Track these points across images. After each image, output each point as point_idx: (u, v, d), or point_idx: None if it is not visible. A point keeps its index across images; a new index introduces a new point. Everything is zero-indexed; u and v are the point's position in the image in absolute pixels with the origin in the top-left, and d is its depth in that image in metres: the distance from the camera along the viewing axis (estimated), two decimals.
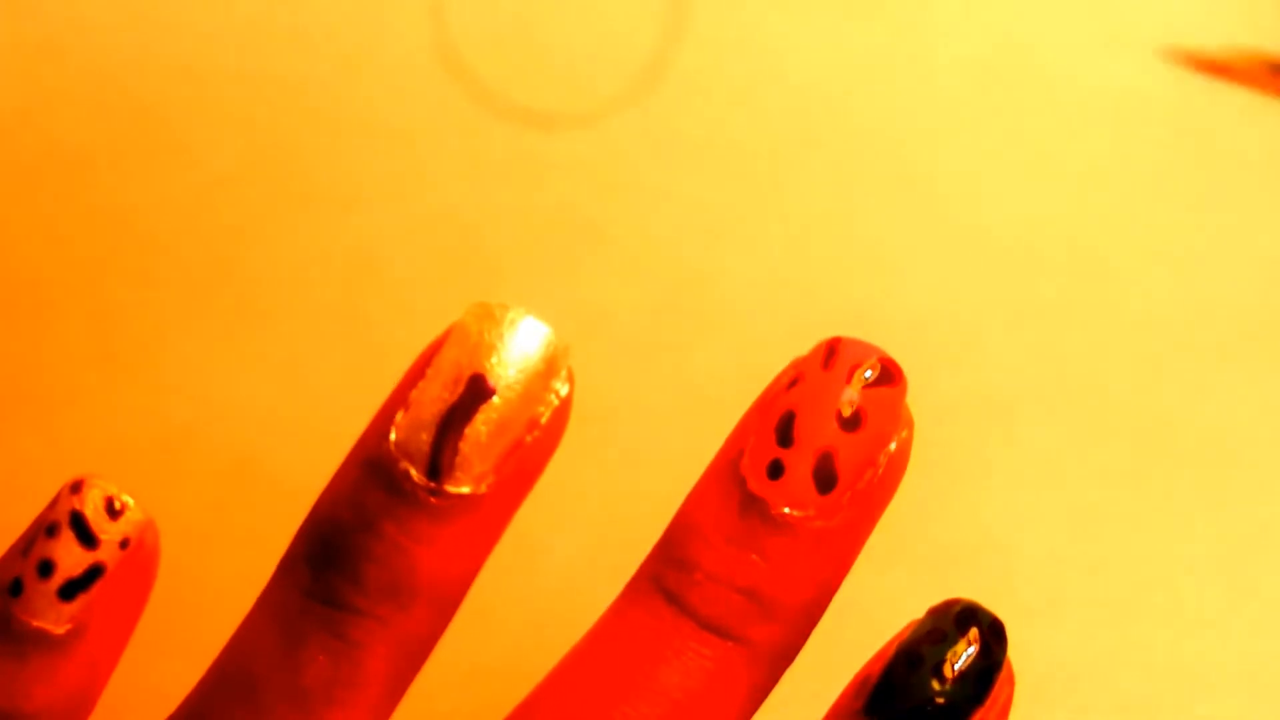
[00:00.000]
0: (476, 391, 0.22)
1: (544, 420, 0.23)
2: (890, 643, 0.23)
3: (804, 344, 0.40)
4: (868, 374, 0.23)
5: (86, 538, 0.24)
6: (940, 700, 0.22)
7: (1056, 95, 0.43)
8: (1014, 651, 0.22)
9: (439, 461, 0.22)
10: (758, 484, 0.22)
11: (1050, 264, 0.42)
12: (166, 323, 0.40)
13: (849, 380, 0.23)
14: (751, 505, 0.22)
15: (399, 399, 0.23)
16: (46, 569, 0.24)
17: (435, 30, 0.42)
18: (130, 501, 0.24)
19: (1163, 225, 0.42)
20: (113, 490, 0.24)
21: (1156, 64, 0.43)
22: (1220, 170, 0.43)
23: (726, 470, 0.23)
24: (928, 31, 0.43)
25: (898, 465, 0.23)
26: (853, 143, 0.43)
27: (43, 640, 0.24)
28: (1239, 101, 0.43)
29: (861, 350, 0.23)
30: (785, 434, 0.23)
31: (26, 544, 0.24)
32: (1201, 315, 0.41)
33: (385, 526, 0.22)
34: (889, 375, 0.23)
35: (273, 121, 0.42)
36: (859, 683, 0.22)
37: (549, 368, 0.23)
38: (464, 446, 0.22)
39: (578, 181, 0.42)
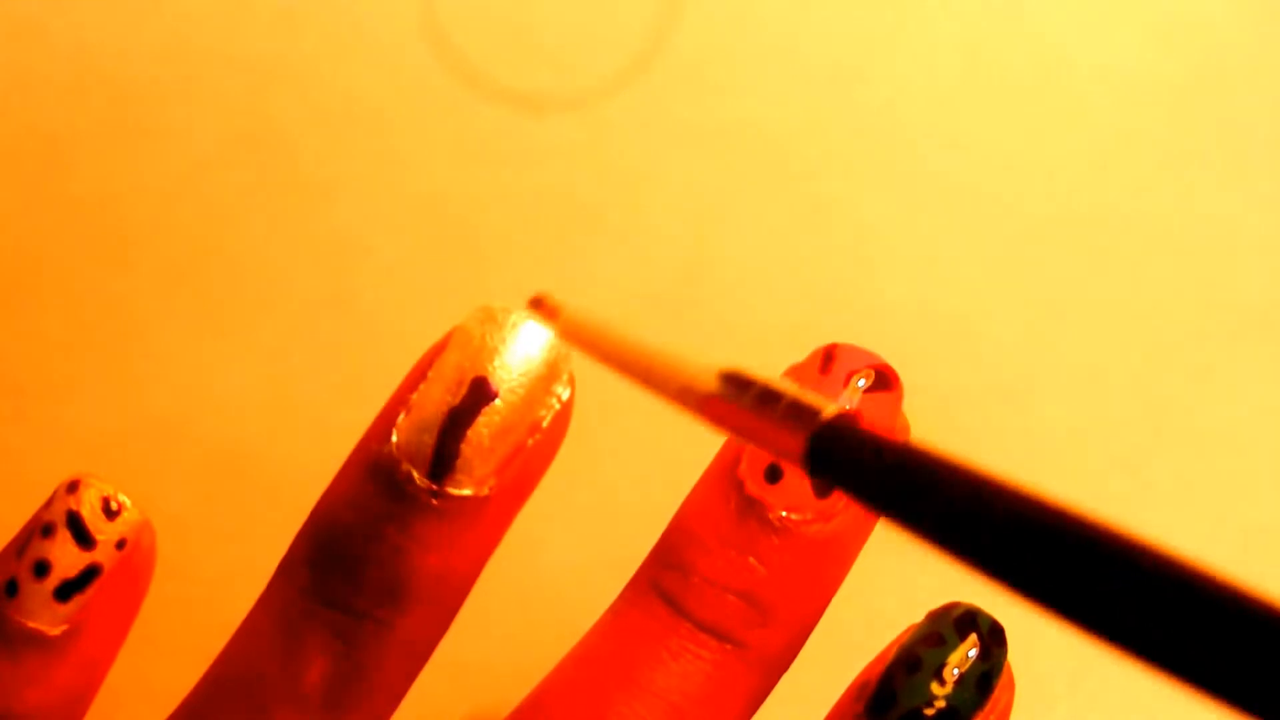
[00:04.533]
0: (479, 394, 0.22)
1: (546, 423, 0.23)
2: (890, 646, 0.23)
3: (802, 331, 0.40)
4: (864, 380, 0.23)
5: (83, 538, 0.24)
6: (940, 704, 0.22)
7: (1060, 75, 0.43)
8: (1014, 646, 0.23)
9: (441, 463, 0.22)
10: (756, 487, 0.23)
11: (1053, 250, 0.42)
12: (149, 311, 0.40)
13: (846, 385, 0.23)
14: (749, 509, 0.23)
15: (400, 401, 0.22)
16: (42, 569, 0.24)
17: (423, 11, 0.42)
18: (127, 502, 0.24)
19: (1168, 210, 0.42)
20: (109, 490, 0.24)
21: (1161, 43, 0.43)
22: (1223, 152, 0.43)
23: (725, 474, 0.23)
24: (927, 10, 0.43)
25: None
26: (850, 125, 0.42)
27: (38, 641, 0.24)
28: (1244, 82, 0.43)
29: (859, 356, 0.23)
30: None
31: (21, 544, 0.24)
32: (1207, 302, 0.42)
33: (387, 529, 0.22)
34: (886, 381, 0.23)
35: (258, 105, 0.42)
36: (859, 686, 0.23)
37: (551, 371, 0.23)
38: (466, 449, 0.22)
39: (569, 166, 0.42)
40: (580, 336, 0.22)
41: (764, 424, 0.18)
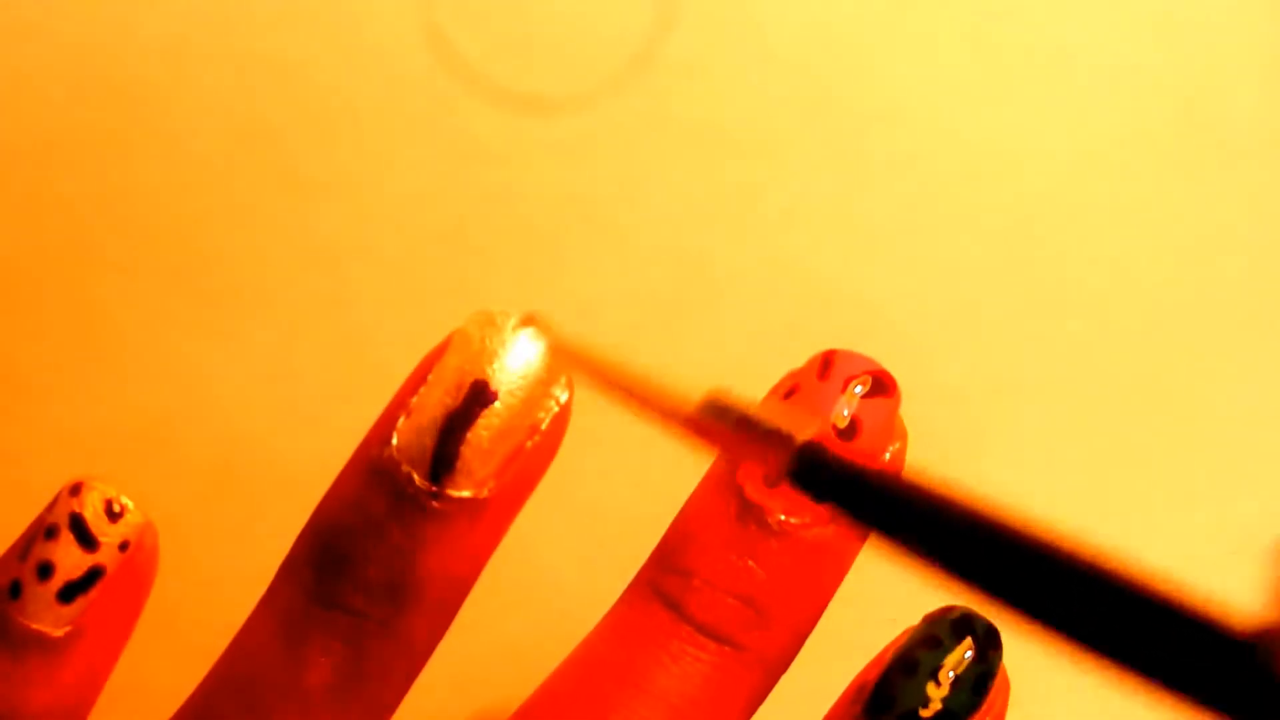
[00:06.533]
0: (478, 397, 0.22)
1: (544, 426, 0.23)
2: (887, 649, 0.23)
3: (800, 333, 0.40)
4: (862, 386, 0.23)
5: (86, 540, 0.24)
6: (936, 706, 0.22)
7: (1057, 73, 0.43)
8: (1009, 649, 0.23)
9: (441, 465, 0.22)
10: (755, 491, 0.23)
11: (1051, 246, 0.42)
12: (148, 311, 0.40)
13: (844, 391, 0.23)
14: (749, 512, 0.23)
15: (401, 404, 0.23)
16: (46, 571, 0.24)
17: (422, 12, 0.42)
18: (129, 504, 0.24)
19: (1165, 206, 0.42)
20: (112, 492, 0.24)
21: (1158, 39, 0.43)
22: (1221, 150, 0.43)
23: (724, 477, 0.23)
24: (926, 11, 0.43)
25: None
26: (848, 124, 0.42)
27: (41, 643, 0.24)
28: (1244, 81, 0.43)
29: (857, 362, 0.23)
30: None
31: (25, 546, 0.24)
32: (1204, 297, 0.42)
33: (387, 530, 0.22)
34: (883, 387, 0.23)
35: (258, 106, 0.42)
36: (856, 688, 0.23)
37: (550, 374, 0.23)
38: (466, 451, 0.22)
39: (568, 167, 0.42)
40: (569, 357, 0.22)
41: (744, 443, 0.20)
